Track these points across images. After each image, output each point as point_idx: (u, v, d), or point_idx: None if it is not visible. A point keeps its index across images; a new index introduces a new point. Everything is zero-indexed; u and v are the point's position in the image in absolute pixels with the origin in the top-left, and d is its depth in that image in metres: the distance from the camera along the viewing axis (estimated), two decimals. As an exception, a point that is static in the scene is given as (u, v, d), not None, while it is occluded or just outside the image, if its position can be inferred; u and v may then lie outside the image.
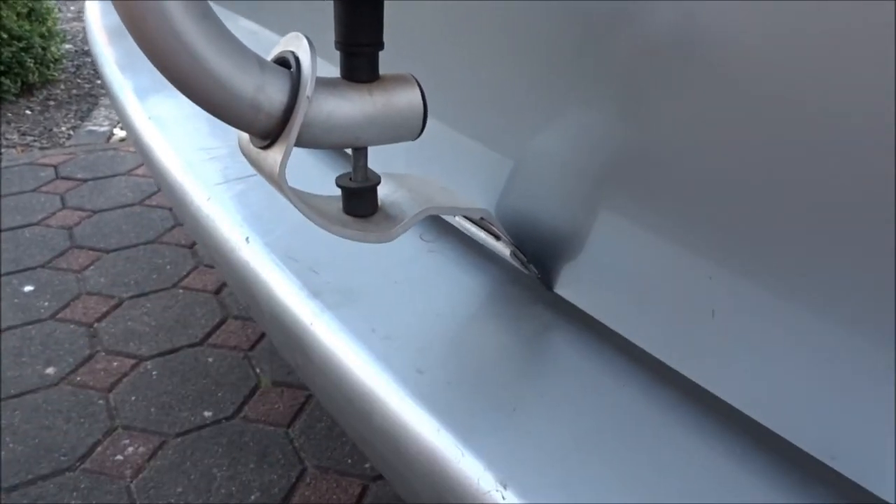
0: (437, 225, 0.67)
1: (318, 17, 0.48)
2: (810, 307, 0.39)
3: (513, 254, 0.56)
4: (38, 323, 1.65)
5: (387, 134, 0.46)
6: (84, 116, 3.03)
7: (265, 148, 0.43)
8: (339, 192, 0.49)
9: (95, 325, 1.66)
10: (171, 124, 0.96)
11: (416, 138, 0.48)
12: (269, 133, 0.42)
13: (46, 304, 1.72)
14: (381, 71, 0.47)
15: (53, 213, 2.11)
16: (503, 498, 0.41)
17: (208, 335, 1.64)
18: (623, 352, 0.49)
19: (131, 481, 1.27)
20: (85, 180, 2.33)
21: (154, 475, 1.28)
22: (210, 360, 1.57)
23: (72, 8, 4.44)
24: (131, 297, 1.76)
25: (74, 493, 1.23)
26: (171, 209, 2.14)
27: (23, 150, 2.66)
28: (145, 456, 1.32)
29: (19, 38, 2.98)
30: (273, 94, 0.41)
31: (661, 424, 0.44)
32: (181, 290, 1.79)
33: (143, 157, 0.97)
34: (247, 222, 0.71)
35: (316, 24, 0.50)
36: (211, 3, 0.40)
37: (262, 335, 1.64)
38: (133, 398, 1.45)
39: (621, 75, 0.48)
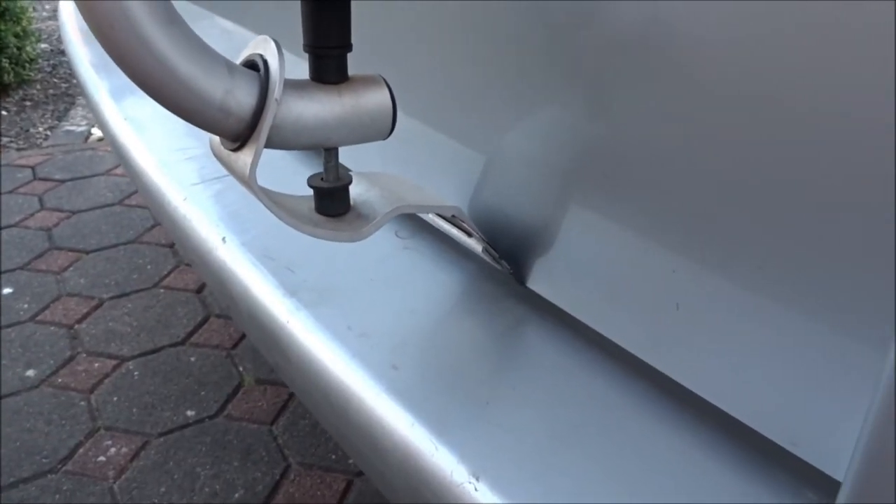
0: (412, 222, 0.68)
1: (294, 16, 0.48)
2: (767, 298, 0.40)
3: (485, 250, 0.57)
4: (17, 325, 1.64)
5: (357, 134, 0.47)
6: (61, 116, 3.01)
7: (236, 150, 0.44)
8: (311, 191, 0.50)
9: (76, 326, 1.65)
10: (147, 125, 0.96)
11: (386, 138, 0.49)
12: (239, 136, 0.43)
13: (26, 306, 1.71)
14: (353, 70, 0.48)
15: (32, 215, 2.10)
16: (476, 490, 0.42)
17: (190, 334, 1.64)
18: (595, 344, 0.51)
19: (114, 482, 1.26)
20: (63, 181, 2.31)
21: (137, 475, 1.28)
22: (192, 359, 1.57)
23: (46, 7, 4.39)
24: (112, 298, 1.75)
25: (57, 496, 1.23)
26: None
27: (-1, 152, 2.64)
28: (128, 456, 1.32)
29: (-7, 39, 2.95)
30: (242, 97, 0.41)
31: (633, 416, 0.45)
32: (162, 290, 1.79)
33: (120, 157, 0.97)
34: (223, 222, 0.71)
35: (292, 23, 0.51)
36: (188, 3, 0.40)
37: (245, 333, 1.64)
38: (115, 399, 1.45)
39: (589, 73, 0.49)
